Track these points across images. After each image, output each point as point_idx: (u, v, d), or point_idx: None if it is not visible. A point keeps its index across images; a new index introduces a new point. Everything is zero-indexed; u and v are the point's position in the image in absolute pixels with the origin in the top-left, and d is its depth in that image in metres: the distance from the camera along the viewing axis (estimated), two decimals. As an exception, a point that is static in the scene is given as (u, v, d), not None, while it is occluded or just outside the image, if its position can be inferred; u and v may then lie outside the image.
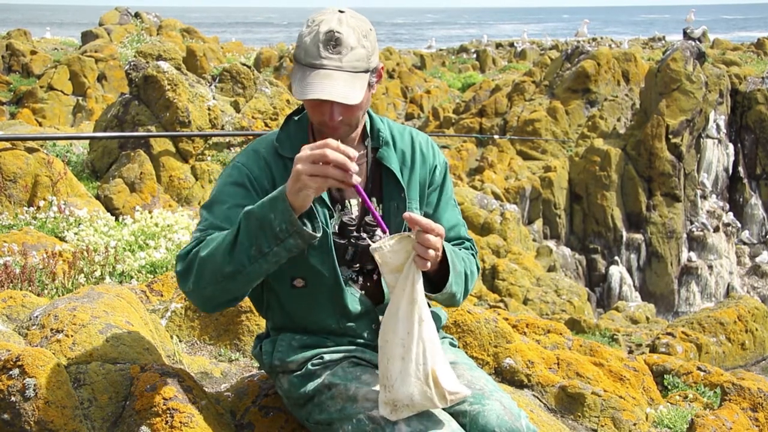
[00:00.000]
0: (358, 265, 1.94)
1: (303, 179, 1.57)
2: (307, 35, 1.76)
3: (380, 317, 1.93)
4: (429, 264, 1.69)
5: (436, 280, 1.87)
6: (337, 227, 1.91)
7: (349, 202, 1.94)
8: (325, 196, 1.88)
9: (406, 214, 1.68)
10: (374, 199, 1.96)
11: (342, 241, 1.90)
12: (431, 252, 1.68)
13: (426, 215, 2.01)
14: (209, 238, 1.75)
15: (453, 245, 1.99)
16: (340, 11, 1.79)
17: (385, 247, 1.70)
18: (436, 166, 2.04)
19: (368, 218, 1.93)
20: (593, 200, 14.30)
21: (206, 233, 1.79)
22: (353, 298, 1.93)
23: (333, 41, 1.73)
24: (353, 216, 1.93)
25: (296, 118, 1.98)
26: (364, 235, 1.92)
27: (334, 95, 1.72)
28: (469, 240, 2.10)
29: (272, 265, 1.69)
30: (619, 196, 14.33)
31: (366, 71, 1.78)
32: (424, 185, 2.02)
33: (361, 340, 1.96)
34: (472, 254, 2.07)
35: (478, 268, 2.06)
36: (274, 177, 1.88)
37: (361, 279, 1.97)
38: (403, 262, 1.70)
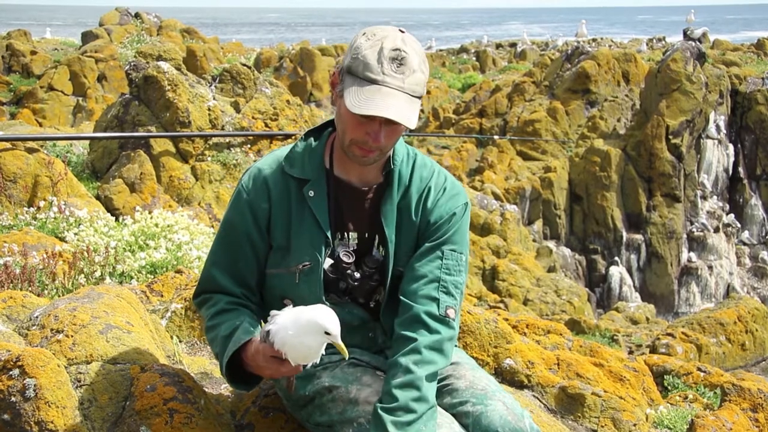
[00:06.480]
0: (347, 298, 1.92)
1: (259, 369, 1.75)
2: (367, 48, 1.68)
3: (377, 327, 1.95)
4: None
5: None
6: (332, 261, 1.87)
7: (348, 234, 1.89)
8: (324, 224, 1.82)
9: None
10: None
11: (333, 276, 1.88)
12: None
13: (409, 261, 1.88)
14: (212, 310, 1.89)
15: (421, 308, 1.79)
16: (401, 30, 1.73)
17: None
18: (439, 224, 1.86)
19: (367, 260, 1.88)
20: (593, 201, 14.29)
21: (213, 285, 1.92)
22: (346, 314, 1.89)
23: (398, 60, 1.67)
24: (349, 250, 1.88)
25: (313, 140, 1.89)
26: (357, 275, 1.88)
27: (396, 115, 1.64)
28: (446, 313, 1.79)
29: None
30: (619, 196, 14.33)
31: (420, 97, 1.72)
32: (422, 234, 1.88)
33: (356, 349, 1.94)
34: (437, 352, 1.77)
35: (447, 356, 1.79)
36: (270, 197, 1.84)
37: (362, 299, 1.93)
38: None
